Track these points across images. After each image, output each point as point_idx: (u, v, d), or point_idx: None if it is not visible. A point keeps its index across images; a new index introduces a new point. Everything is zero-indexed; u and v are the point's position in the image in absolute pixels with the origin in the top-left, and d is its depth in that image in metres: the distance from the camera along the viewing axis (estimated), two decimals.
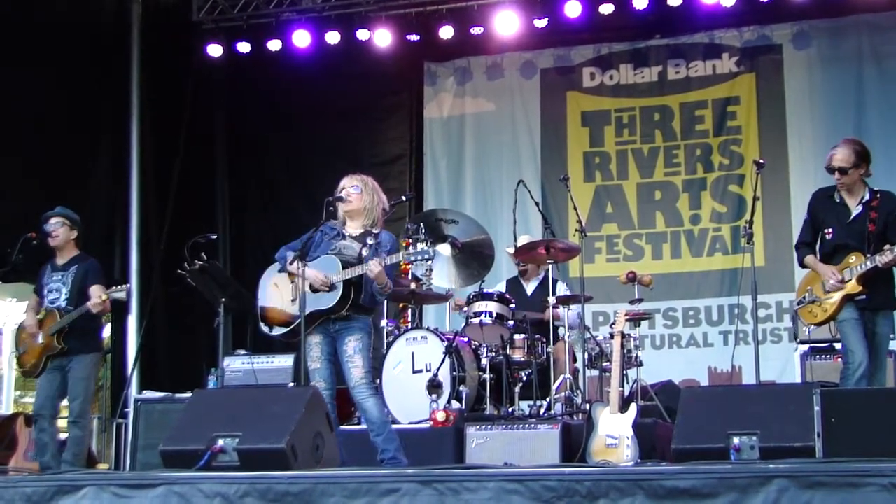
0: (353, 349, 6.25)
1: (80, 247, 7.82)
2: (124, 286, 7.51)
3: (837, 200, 6.69)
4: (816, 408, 4.84)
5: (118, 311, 10.69)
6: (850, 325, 6.47)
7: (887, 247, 6.39)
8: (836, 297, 6.50)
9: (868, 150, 6.74)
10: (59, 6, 10.08)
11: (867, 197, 6.64)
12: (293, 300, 6.33)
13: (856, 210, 6.62)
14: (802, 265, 6.87)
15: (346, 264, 6.27)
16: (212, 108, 11.77)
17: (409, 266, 8.54)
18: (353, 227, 6.47)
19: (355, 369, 6.23)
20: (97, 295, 7.43)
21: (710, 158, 10.92)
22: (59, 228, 7.67)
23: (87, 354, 7.54)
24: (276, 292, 6.57)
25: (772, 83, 10.81)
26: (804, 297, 6.68)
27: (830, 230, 6.66)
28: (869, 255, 6.43)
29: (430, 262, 6.56)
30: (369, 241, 6.31)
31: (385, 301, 7.82)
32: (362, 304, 6.32)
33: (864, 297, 6.44)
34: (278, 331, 6.53)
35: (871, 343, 6.50)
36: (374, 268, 6.13)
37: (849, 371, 6.38)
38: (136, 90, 11.21)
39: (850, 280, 6.45)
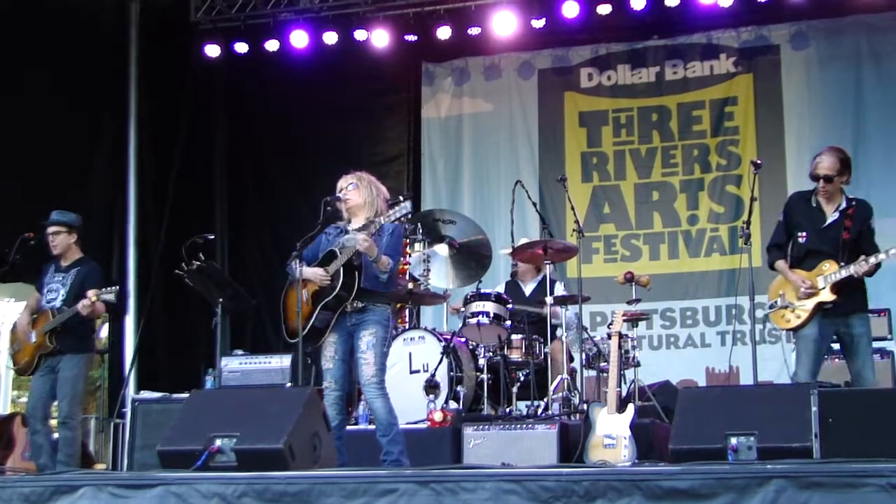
0: (366, 344, 6.20)
1: (83, 248, 7.85)
2: (113, 288, 7.50)
3: (814, 205, 6.69)
4: (814, 408, 4.85)
5: (116, 311, 10.69)
6: (806, 343, 6.52)
7: (863, 257, 6.42)
8: (810, 304, 6.51)
9: (850, 157, 6.74)
10: (57, 6, 10.07)
11: (844, 205, 6.64)
12: (305, 302, 6.31)
13: (832, 217, 6.63)
14: (772, 268, 6.86)
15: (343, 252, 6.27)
16: (210, 109, 11.77)
17: (407, 266, 8.55)
18: (357, 222, 6.45)
19: (366, 366, 6.19)
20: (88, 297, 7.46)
21: (707, 159, 10.93)
22: (57, 238, 7.71)
23: (78, 355, 7.54)
24: (291, 301, 6.52)
25: (770, 84, 10.82)
26: (776, 302, 6.69)
27: (804, 234, 6.65)
28: (843, 264, 6.46)
29: (409, 214, 6.48)
30: (371, 228, 6.28)
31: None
32: (368, 289, 6.24)
33: (831, 305, 6.48)
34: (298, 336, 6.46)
35: (849, 346, 6.55)
36: (360, 240, 6.09)
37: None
38: (134, 90, 11.22)
39: (823, 287, 6.48)
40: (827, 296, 6.46)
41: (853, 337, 6.53)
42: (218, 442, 5.03)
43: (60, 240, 7.70)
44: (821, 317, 6.50)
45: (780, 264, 6.72)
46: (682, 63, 11.12)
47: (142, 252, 11.09)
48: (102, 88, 10.92)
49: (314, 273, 6.27)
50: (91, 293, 7.41)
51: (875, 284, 9.66)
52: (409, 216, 6.50)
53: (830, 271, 6.48)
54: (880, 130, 10.32)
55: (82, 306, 7.38)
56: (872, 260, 6.41)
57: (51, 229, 7.71)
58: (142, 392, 9.11)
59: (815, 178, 6.64)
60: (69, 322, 7.47)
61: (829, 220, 6.63)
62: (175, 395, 8.21)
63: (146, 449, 7.72)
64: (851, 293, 6.52)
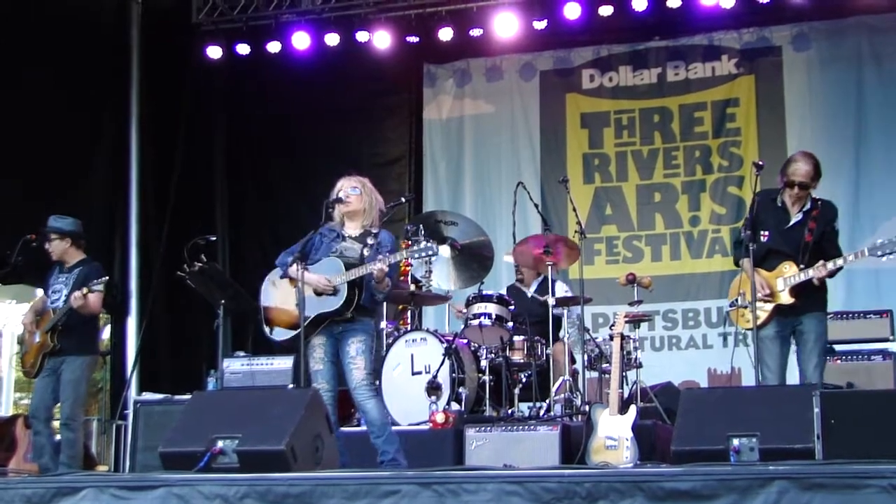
0: (355, 351, 6.25)
1: (85, 250, 7.87)
2: (102, 279, 7.53)
3: (779, 205, 6.66)
4: (816, 409, 4.85)
5: (118, 312, 10.70)
6: (766, 344, 6.52)
7: (821, 262, 6.39)
8: (770, 305, 6.51)
9: (820, 162, 6.70)
10: (57, 6, 10.07)
11: (808, 206, 6.61)
12: (296, 304, 6.30)
13: (795, 217, 6.60)
14: (737, 265, 6.85)
15: (348, 266, 6.26)
16: (211, 110, 11.77)
17: (409, 268, 8.54)
18: (353, 228, 6.46)
19: (357, 371, 6.24)
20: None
21: (709, 160, 10.92)
22: (51, 244, 7.78)
23: (80, 356, 7.57)
24: (277, 294, 6.56)
25: (771, 85, 10.81)
26: (736, 300, 6.68)
27: (767, 233, 6.63)
28: (803, 268, 6.44)
29: (433, 259, 6.52)
30: (369, 241, 6.30)
31: (384, 303, 7.82)
32: (364, 305, 6.32)
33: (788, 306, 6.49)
34: (281, 333, 6.52)
35: (798, 344, 6.55)
36: (378, 269, 6.11)
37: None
38: (135, 90, 11.22)
39: (783, 290, 6.47)
40: (786, 298, 6.47)
41: (802, 334, 6.53)
42: (220, 443, 5.03)
43: (54, 246, 7.77)
44: (778, 315, 6.52)
45: (746, 263, 6.68)
46: (683, 64, 11.11)
47: (143, 253, 11.09)
48: (103, 88, 10.92)
49: (317, 281, 6.26)
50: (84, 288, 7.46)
51: (877, 285, 9.78)
52: (433, 257, 6.52)
53: (790, 273, 6.47)
54: (882, 131, 10.32)
55: (73, 299, 7.42)
56: (831, 266, 6.38)
57: (48, 236, 7.75)
58: (144, 393, 9.12)
59: (790, 184, 6.58)
60: (71, 321, 7.50)
61: (792, 221, 6.61)
62: (177, 397, 8.20)
63: (148, 450, 7.71)
64: (810, 294, 6.50)
